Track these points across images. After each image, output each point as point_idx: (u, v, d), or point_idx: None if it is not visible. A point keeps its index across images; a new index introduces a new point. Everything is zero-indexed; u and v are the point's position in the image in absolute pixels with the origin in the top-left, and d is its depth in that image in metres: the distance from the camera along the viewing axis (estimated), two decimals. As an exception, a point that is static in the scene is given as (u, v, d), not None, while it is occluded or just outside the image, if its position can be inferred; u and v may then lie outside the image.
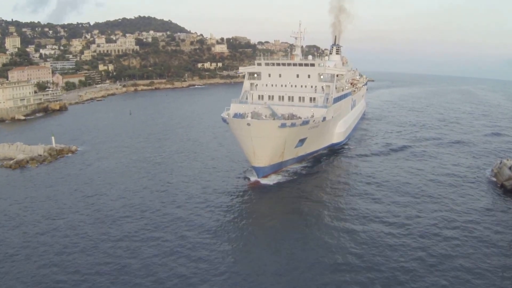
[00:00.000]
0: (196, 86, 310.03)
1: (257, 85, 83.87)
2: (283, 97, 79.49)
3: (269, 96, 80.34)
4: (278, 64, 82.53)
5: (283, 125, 62.04)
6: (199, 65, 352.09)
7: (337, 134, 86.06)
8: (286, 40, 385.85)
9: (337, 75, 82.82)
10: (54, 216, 52.52)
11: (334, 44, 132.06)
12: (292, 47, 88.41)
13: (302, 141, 69.63)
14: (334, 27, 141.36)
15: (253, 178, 65.35)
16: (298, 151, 71.43)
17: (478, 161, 78.93)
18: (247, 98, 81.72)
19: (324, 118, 71.82)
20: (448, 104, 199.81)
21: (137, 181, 66.57)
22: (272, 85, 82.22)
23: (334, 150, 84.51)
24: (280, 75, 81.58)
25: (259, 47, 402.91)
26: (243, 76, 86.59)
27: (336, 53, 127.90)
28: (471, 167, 74.20)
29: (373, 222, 49.00)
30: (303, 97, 78.11)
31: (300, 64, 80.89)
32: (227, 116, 66.19)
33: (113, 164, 77.68)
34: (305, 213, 52.30)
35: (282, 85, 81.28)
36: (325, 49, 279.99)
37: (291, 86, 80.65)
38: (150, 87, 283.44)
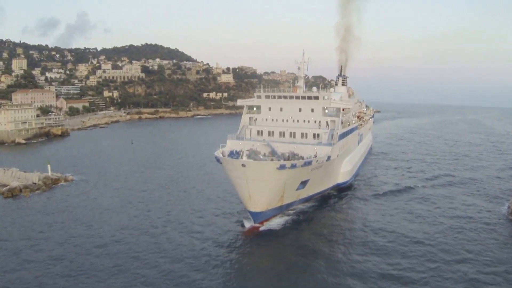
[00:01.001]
0: (200, 116, 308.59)
1: (256, 119, 78.49)
2: (284, 133, 73.75)
3: (269, 132, 74.89)
4: (279, 97, 76.79)
5: (282, 167, 55.53)
6: (205, 94, 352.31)
7: (343, 173, 79.11)
8: (292, 70, 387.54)
9: (343, 109, 77.88)
10: (29, 259, 48.02)
11: (340, 74, 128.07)
12: (297, 77, 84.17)
13: (304, 183, 63.17)
14: (341, 49, 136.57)
15: (249, 224, 58.55)
16: (300, 193, 64.86)
17: (492, 199, 74.20)
18: (245, 134, 76.76)
19: (329, 158, 65.58)
20: (457, 135, 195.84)
21: (128, 221, 61.52)
22: (272, 120, 76.95)
23: (340, 189, 78.64)
24: (281, 109, 76.20)
25: (265, 77, 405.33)
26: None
27: (342, 84, 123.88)
28: (485, 207, 69.16)
29: (385, 279, 43.56)
30: (306, 133, 72.40)
31: (303, 97, 75.27)
32: (220, 155, 60.00)
33: (105, 199, 73.49)
34: (304, 271, 46.07)
35: (283, 120, 75.96)
36: (331, 80, 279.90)
37: (293, 121, 75.16)
38: (154, 116, 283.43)
